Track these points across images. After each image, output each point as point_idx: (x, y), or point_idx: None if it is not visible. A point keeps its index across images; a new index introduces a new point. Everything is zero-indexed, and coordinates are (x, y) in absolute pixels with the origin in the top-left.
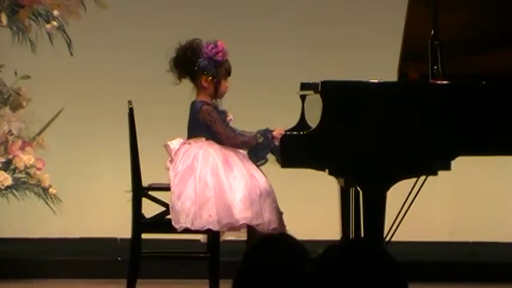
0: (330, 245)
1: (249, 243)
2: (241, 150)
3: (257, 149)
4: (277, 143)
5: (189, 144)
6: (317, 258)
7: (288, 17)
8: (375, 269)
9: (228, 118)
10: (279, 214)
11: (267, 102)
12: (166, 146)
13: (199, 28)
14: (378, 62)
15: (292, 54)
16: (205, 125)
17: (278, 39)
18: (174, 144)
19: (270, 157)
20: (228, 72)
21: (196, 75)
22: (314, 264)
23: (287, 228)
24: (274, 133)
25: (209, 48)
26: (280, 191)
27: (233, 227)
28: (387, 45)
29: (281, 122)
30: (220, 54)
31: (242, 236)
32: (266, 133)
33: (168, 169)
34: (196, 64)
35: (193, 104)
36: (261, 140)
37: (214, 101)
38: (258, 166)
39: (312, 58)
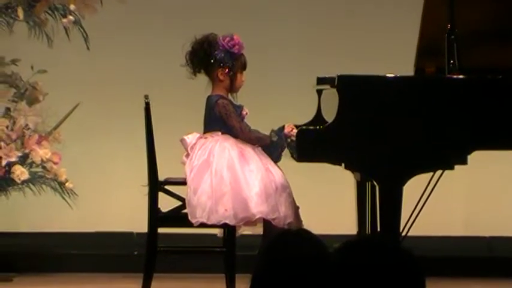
0: (348, 240)
1: (265, 237)
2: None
3: (271, 148)
4: (289, 139)
5: (205, 138)
6: (336, 252)
7: (300, 14)
8: (393, 261)
9: (244, 112)
10: (295, 208)
11: (282, 97)
12: (182, 141)
13: (214, 23)
14: (393, 59)
15: (308, 48)
16: (220, 118)
17: (291, 33)
18: (190, 138)
19: (286, 152)
20: (243, 66)
21: (213, 68)
22: (333, 258)
23: (303, 223)
24: (285, 131)
25: (225, 41)
26: (296, 186)
27: (249, 221)
28: (402, 43)
29: (296, 117)
30: (237, 47)
31: (258, 230)
32: (280, 132)
33: (184, 163)
34: (212, 57)
35: (209, 98)
36: (275, 138)
37: (229, 95)
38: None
39: (326, 52)
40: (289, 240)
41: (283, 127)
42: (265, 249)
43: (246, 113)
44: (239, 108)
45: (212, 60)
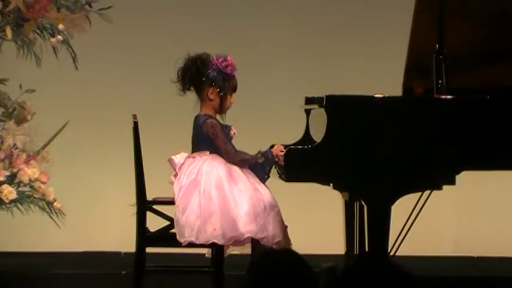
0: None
1: (253, 257)
2: None
3: (257, 169)
4: (277, 159)
5: (194, 158)
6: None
7: (290, 30)
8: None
9: (232, 132)
10: (284, 228)
11: (271, 116)
12: (170, 161)
13: (204, 43)
14: (382, 75)
15: (295, 69)
16: (208, 138)
17: (280, 53)
18: (178, 158)
19: (274, 172)
20: (234, 88)
21: (203, 86)
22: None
23: (292, 242)
24: (273, 150)
25: (219, 60)
26: (285, 205)
27: (238, 241)
28: (392, 56)
29: (285, 136)
30: (230, 68)
31: (246, 250)
32: (267, 153)
33: (172, 183)
34: (205, 75)
35: (197, 117)
36: (261, 160)
37: (217, 116)
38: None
39: (315, 72)
40: (275, 258)
41: (271, 147)
42: (251, 267)
43: (234, 133)
44: (227, 128)
45: (204, 79)
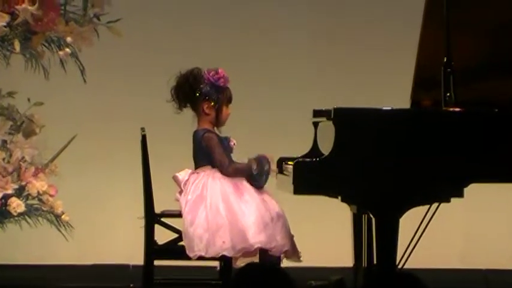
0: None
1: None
2: None
3: (253, 178)
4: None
5: (198, 173)
6: None
7: (299, 43)
8: None
9: (232, 143)
10: (291, 237)
11: (279, 129)
12: (174, 178)
13: (213, 55)
14: (390, 87)
15: (303, 81)
16: (208, 152)
17: (288, 65)
18: (183, 175)
19: (273, 181)
20: (229, 100)
21: (198, 101)
22: None
23: (300, 253)
24: (267, 155)
25: (210, 74)
26: (293, 218)
27: (248, 252)
28: (400, 69)
29: (293, 149)
30: (222, 80)
31: (255, 260)
32: (259, 159)
33: (177, 200)
34: (198, 90)
35: (195, 133)
36: (254, 166)
37: (215, 129)
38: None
39: (324, 85)
40: (257, 273)
41: (263, 156)
42: (234, 281)
43: (234, 144)
44: (226, 139)
45: (198, 94)
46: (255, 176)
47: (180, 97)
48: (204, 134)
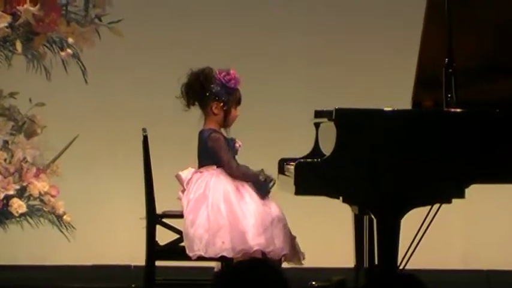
0: None
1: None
2: None
3: (257, 186)
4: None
5: (201, 172)
6: None
7: (300, 43)
8: None
9: (237, 145)
10: (291, 239)
11: (280, 129)
12: (177, 176)
13: (213, 54)
14: (392, 88)
15: (305, 82)
16: (214, 152)
17: (289, 65)
18: (186, 174)
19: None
20: (238, 101)
21: (207, 101)
22: None
23: (303, 252)
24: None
25: (222, 75)
26: (294, 219)
27: (247, 254)
28: (402, 70)
29: (294, 149)
30: (233, 81)
31: None
32: (268, 176)
33: (180, 199)
34: (208, 90)
35: (201, 132)
36: (262, 178)
37: (222, 129)
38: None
39: (325, 85)
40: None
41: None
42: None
43: (239, 145)
44: (232, 141)
45: (207, 94)
46: (260, 185)
47: (190, 95)
48: (211, 134)
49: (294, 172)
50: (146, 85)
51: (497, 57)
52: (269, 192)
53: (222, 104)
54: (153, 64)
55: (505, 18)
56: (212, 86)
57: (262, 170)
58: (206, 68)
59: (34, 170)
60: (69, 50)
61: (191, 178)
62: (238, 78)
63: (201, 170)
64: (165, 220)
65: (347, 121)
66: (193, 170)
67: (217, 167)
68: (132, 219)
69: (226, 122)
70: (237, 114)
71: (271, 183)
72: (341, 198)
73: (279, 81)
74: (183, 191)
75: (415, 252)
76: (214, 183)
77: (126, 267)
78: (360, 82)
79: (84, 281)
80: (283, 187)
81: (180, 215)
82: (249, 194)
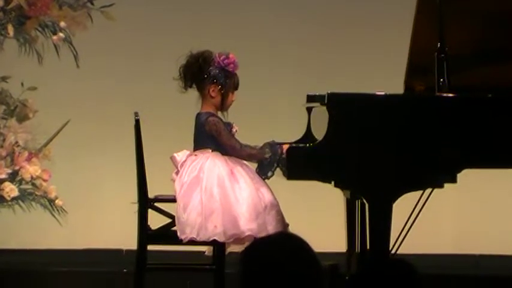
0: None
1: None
2: (247, 163)
3: (264, 165)
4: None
5: (196, 155)
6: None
7: (293, 27)
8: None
9: (234, 130)
10: (284, 227)
11: (272, 114)
12: (172, 158)
13: (206, 39)
14: (384, 73)
15: (297, 66)
16: (211, 136)
17: (280, 49)
18: (180, 156)
19: (277, 170)
20: (236, 86)
21: (205, 83)
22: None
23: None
24: (283, 146)
25: (221, 58)
26: (286, 203)
27: (238, 239)
28: (394, 55)
29: (286, 134)
30: (232, 65)
31: None
32: (273, 147)
33: (174, 181)
34: (206, 72)
35: (198, 115)
36: (268, 155)
37: (219, 113)
38: (264, 179)
39: (317, 70)
40: (272, 243)
41: (274, 141)
42: (243, 259)
43: (236, 130)
44: (228, 125)
45: (205, 76)
46: (266, 163)
47: (188, 76)
48: (208, 118)
49: (286, 157)
50: (138, 69)
51: (489, 43)
52: (273, 174)
53: (219, 87)
54: (145, 48)
55: (497, 5)
56: (211, 68)
57: (267, 143)
58: (205, 51)
59: (26, 154)
60: (61, 34)
61: (185, 160)
62: (237, 63)
63: (196, 152)
64: (157, 204)
65: (339, 105)
66: (188, 152)
67: (212, 151)
68: (124, 204)
69: (223, 106)
70: (234, 99)
71: (274, 165)
72: (333, 182)
73: (271, 65)
74: (177, 172)
75: (406, 237)
76: (209, 167)
77: (118, 252)
78: (353, 66)
79: (75, 265)
80: (277, 172)
81: (172, 200)
82: (243, 179)
